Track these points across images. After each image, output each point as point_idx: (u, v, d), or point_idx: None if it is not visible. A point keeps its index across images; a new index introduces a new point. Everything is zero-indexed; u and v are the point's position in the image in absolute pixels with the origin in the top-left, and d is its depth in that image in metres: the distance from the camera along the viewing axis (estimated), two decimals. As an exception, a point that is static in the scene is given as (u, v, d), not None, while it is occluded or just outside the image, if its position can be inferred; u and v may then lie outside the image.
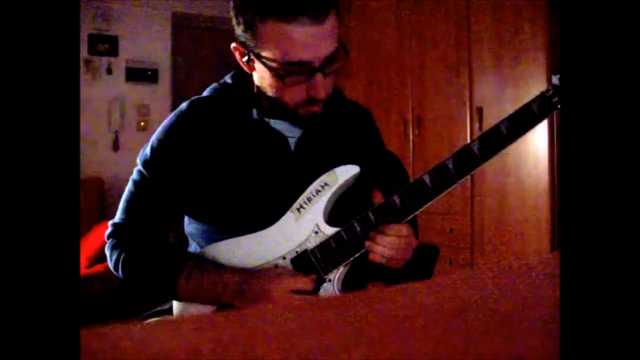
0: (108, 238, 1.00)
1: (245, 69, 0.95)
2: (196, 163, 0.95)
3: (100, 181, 3.56)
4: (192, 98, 1.01)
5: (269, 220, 0.93)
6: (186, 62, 4.26)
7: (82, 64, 3.75)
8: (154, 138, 0.99)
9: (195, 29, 4.31)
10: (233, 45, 0.92)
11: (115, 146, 3.81)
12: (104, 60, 3.86)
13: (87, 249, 2.99)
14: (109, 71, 3.86)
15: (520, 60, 2.41)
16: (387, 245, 0.89)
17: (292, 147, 0.98)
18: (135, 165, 1.00)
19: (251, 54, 0.89)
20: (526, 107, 0.88)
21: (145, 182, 0.97)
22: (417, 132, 2.96)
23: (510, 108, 2.81)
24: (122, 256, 0.96)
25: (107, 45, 3.86)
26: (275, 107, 0.94)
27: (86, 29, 3.78)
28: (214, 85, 1.04)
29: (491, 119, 2.56)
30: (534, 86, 2.33)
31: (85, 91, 3.69)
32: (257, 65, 0.90)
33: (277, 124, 0.97)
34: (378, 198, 0.91)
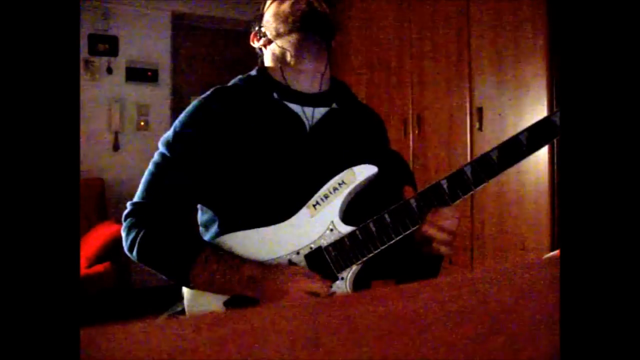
0: (126, 218, 0.99)
1: (262, 46, 1.08)
2: (216, 143, 0.98)
3: (100, 181, 3.55)
4: (216, 86, 1.06)
5: (285, 214, 0.94)
6: (186, 62, 4.27)
7: (82, 64, 3.75)
8: (176, 122, 1.03)
9: (195, 29, 4.31)
10: (251, 36, 1.09)
11: (115, 146, 3.80)
12: (104, 60, 3.86)
13: (87, 249, 2.99)
14: (109, 71, 3.87)
15: (520, 60, 2.41)
16: (446, 228, 0.91)
17: (307, 128, 1.01)
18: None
19: (261, 22, 1.06)
20: (546, 120, 0.89)
21: (167, 162, 0.99)
22: (417, 132, 2.96)
23: (510, 108, 2.79)
24: (140, 235, 0.95)
25: (107, 45, 3.87)
26: (292, 52, 1.02)
27: (86, 29, 3.78)
28: (239, 76, 1.09)
29: (491, 119, 2.56)
30: (534, 86, 2.33)
31: (85, 91, 3.69)
32: (265, 22, 1.04)
33: (295, 107, 1.02)
34: (410, 194, 0.93)
